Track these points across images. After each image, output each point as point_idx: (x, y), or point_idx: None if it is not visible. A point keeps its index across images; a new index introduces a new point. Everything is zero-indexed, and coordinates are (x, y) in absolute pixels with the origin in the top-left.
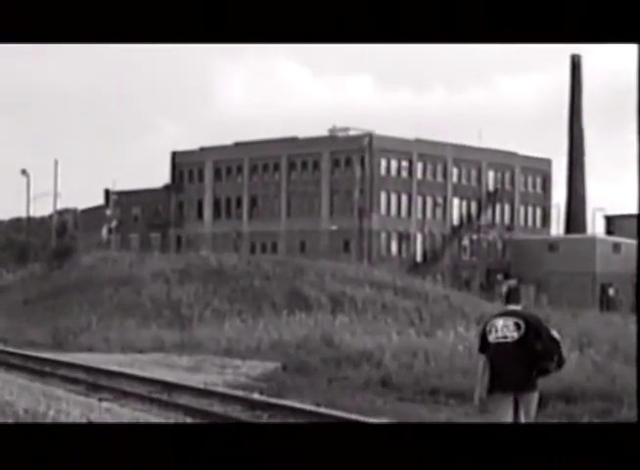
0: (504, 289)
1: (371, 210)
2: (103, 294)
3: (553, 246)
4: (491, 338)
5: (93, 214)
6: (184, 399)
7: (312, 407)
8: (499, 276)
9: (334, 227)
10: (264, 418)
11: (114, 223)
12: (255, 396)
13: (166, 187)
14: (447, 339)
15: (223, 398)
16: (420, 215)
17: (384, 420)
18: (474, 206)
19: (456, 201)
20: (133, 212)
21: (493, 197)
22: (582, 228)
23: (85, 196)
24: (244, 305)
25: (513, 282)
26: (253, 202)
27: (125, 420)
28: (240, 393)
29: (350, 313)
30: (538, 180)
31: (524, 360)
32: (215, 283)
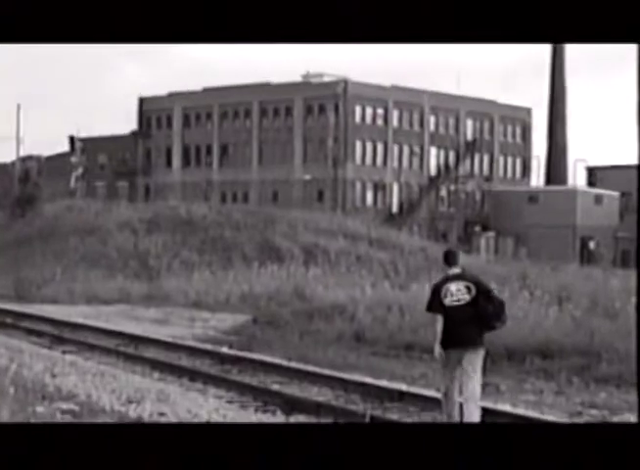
0: (443, 252)
1: (345, 158)
2: (68, 244)
3: (533, 198)
4: (447, 301)
5: (58, 162)
6: (151, 353)
7: (283, 361)
8: (477, 228)
9: (307, 176)
10: (233, 372)
11: (79, 171)
12: (225, 349)
13: (134, 134)
14: (423, 292)
15: (191, 351)
16: (396, 165)
17: (356, 376)
18: (452, 155)
19: (433, 150)
20: (99, 160)
21: (472, 146)
22: (563, 180)
23: (50, 142)
24: (213, 256)
25: (450, 245)
26: (224, 150)
27: (90, 374)
28: (209, 346)
29: (323, 265)
30: (518, 130)
31: (474, 320)
32: (184, 233)
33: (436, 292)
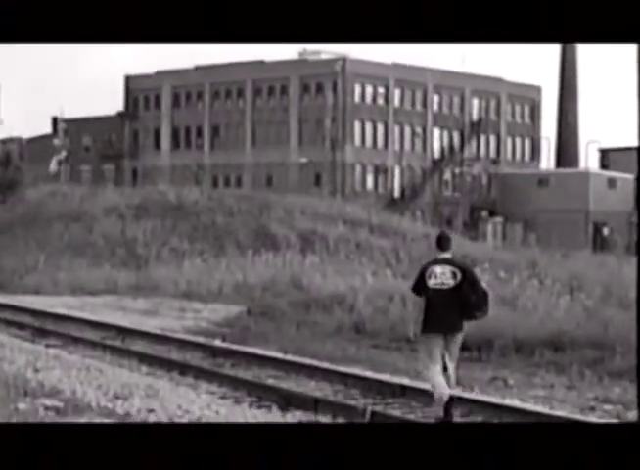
0: (436, 237)
1: (344, 140)
2: (51, 231)
3: (542, 181)
4: (430, 283)
5: (40, 144)
6: (139, 346)
7: (279, 355)
8: (484, 213)
9: (303, 159)
10: (227, 366)
11: (62, 154)
12: (217, 342)
13: (120, 115)
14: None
15: (182, 344)
16: (397, 147)
17: (356, 370)
18: (456, 137)
19: (437, 131)
20: (84, 142)
21: (477, 127)
22: (574, 162)
23: (32, 124)
24: (205, 243)
25: (443, 230)
26: (216, 131)
27: (75, 369)
28: (200, 339)
29: (321, 253)
30: (527, 109)
31: (456, 306)
32: (174, 220)
33: (422, 273)
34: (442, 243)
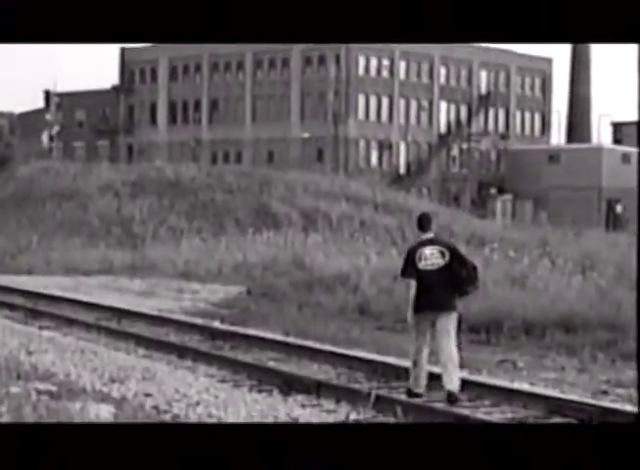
0: (417, 216)
1: (347, 114)
2: (44, 210)
3: (554, 157)
4: (421, 265)
5: (32, 119)
6: (136, 328)
7: (280, 337)
8: (492, 190)
9: (305, 134)
10: (226, 349)
11: (55, 129)
12: (216, 324)
13: (115, 88)
14: None
15: (179, 326)
16: (403, 121)
17: (360, 352)
18: (464, 110)
19: (444, 105)
20: (77, 117)
21: (486, 100)
22: (587, 136)
23: (23, 98)
24: (203, 222)
25: (424, 211)
26: (214, 105)
27: (69, 351)
28: (198, 320)
29: (324, 232)
30: (537, 82)
31: (447, 285)
32: (172, 197)
33: (410, 256)
34: (424, 223)
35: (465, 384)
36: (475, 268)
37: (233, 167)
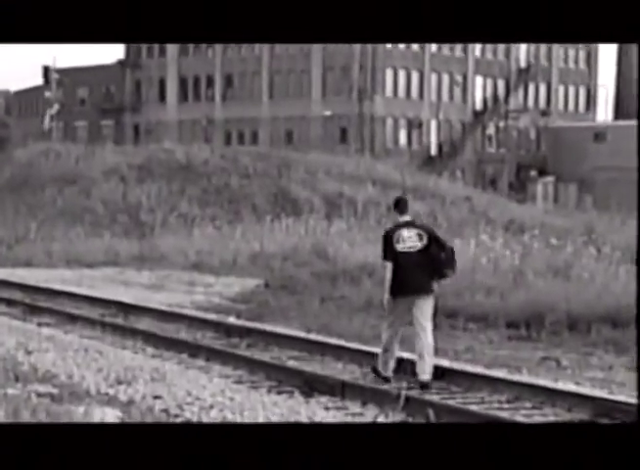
0: (394, 199)
1: (373, 90)
2: (43, 196)
3: (599, 135)
4: (399, 247)
5: (30, 97)
6: (144, 324)
7: (301, 333)
8: (532, 173)
9: (327, 112)
10: (242, 347)
11: (55, 108)
12: (231, 319)
13: (120, 63)
14: (468, 250)
15: (192, 322)
16: (434, 98)
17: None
18: (501, 85)
19: (479, 79)
20: (79, 95)
21: (525, 74)
22: (635, 113)
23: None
24: (217, 208)
25: (401, 194)
26: (228, 81)
27: (71, 351)
28: (212, 316)
29: (349, 218)
30: (582, 54)
31: (426, 267)
32: (182, 182)
33: (388, 239)
34: (401, 206)
35: (504, 384)
36: (453, 251)
37: (249, 149)
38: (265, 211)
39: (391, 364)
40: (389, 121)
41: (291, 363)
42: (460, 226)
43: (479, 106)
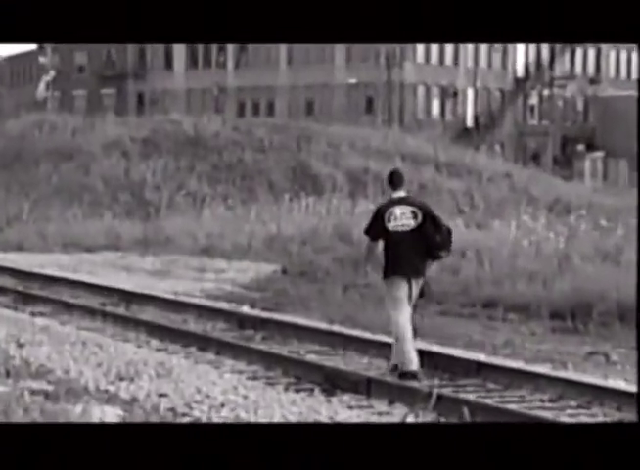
0: (388, 173)
1: (403, 56)
2: (38, 172)
3: None
4: (391, 226)
5: (22, 63)
6: (148, 314)
7: (322, 325)
8: (579, 147)
9: (352, 80)
10: (257, 339)
11: (51, 75)
12: (245, 309)
13: None
14: (508, 232)
15: (201, 312)
16: (471, 64)
17: (419, 343)
18: (545, 50)
19: (521, 44)
20: (77, 61)
21: None
22: None
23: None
24: (230, 186)
25: (395, 167)
26: (242, 45)
27: (68, 343)
28: (224, 305)
29: (375, 198)
30: None
31: (419, 247)
32: (191, 157)
33: (379, 215)
34: (395, 180)
35: (547, 381)
36: (450, 232)
37: (264, 120)
38: (283, 190)
39: (414, 356)
40: (421, 90)
41: (310, 358)
42: (499, 206)
43: (520, 73)
